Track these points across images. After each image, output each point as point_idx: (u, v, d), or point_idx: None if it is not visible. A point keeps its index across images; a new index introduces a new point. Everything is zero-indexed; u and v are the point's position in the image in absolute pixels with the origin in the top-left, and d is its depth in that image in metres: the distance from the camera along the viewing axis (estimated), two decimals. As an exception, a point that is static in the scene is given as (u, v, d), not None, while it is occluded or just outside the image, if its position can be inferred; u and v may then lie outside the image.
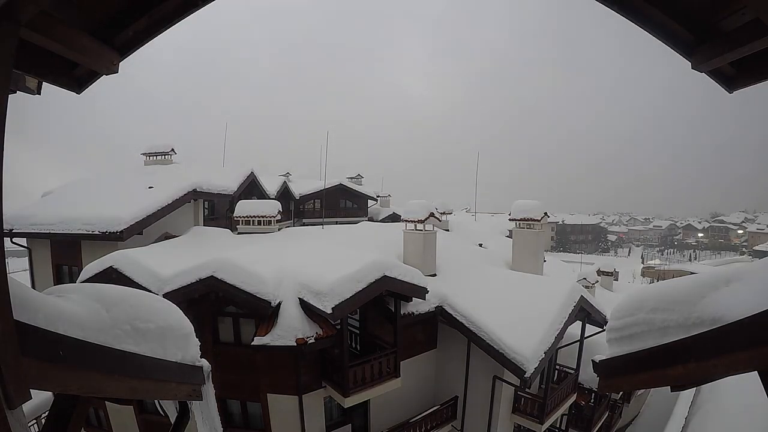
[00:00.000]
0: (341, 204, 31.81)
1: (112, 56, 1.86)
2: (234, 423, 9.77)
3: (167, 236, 14.20)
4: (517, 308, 10.11)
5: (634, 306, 2.05)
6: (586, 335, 11.60)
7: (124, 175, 17.54)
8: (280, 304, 8.84)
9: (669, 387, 1.89)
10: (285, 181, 26.97)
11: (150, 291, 8.42)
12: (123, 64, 1.93)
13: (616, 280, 26.98)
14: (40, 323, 1.36)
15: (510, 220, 14.52)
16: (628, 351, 2.00)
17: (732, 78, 1.91)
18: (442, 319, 10.79)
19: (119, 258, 9.89)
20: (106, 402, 10.75)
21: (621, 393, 14.54)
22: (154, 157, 19.68)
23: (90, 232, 12.17)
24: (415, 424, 10.27)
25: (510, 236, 16.57)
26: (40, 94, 1.89)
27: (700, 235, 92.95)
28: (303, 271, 9.42)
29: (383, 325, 10.41)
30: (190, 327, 2.44)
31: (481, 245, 17.15)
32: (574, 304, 10.24)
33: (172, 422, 2.59)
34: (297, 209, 29.64)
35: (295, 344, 8.34)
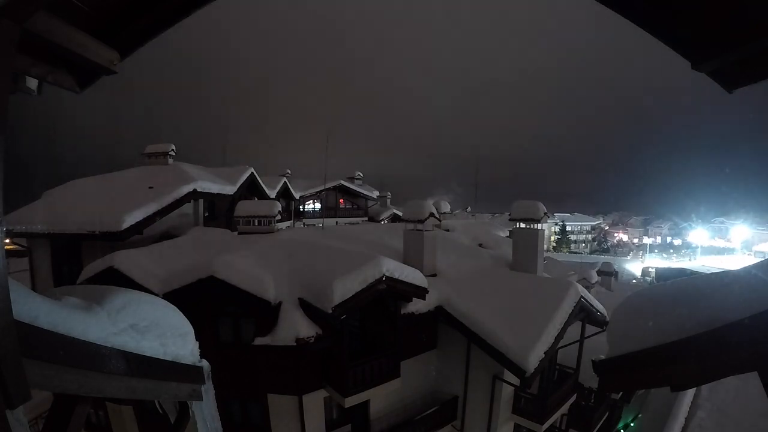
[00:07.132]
0: (341, 204, 31.85)
1: (113, 56, 1.86)
2: (234, 423, 9.77)
3: (167, 236, 14.19)
4: (517, 308, 10.09)
5: (635, 306, 2.05)
6: (586, 335, 11.60)
7: (124, 175, 17.52)
8: (280, 303, 8.85)
9: (669, 387, 1.89)
10: (285, 181, 26.96)
11: (150, 291, 8.42)
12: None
13: (616, 280, 27.02)
14: (40, 324, 1.37)
15: (510, 219, 14.51)
16: (628, 351, 1.99)
17: (732, 78, 1.91)
18: (442, 319, 10.80)
19: (119, 258, 9.87)
20: (106, 402, 10.81)
21: (621, 393, 14.53)
22: (154, 157, 19.66)
23: (90, 232, 12.17)
24: (415, 424, 10.28)
25: (510, 236, 16.57)
26: (40, 94, 1.88)
27: (700, 235, 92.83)
28: (303, 270, 9.43)
29: (383, 325, 10.41)
30: (189, 327, 2.45)
31: (481, 245, 17.15)
32: (574, 304, 10.23)
33: (172, 422, 2.60)
34: (297, 209, 29.64)
35: (295, 344, 8.35)
